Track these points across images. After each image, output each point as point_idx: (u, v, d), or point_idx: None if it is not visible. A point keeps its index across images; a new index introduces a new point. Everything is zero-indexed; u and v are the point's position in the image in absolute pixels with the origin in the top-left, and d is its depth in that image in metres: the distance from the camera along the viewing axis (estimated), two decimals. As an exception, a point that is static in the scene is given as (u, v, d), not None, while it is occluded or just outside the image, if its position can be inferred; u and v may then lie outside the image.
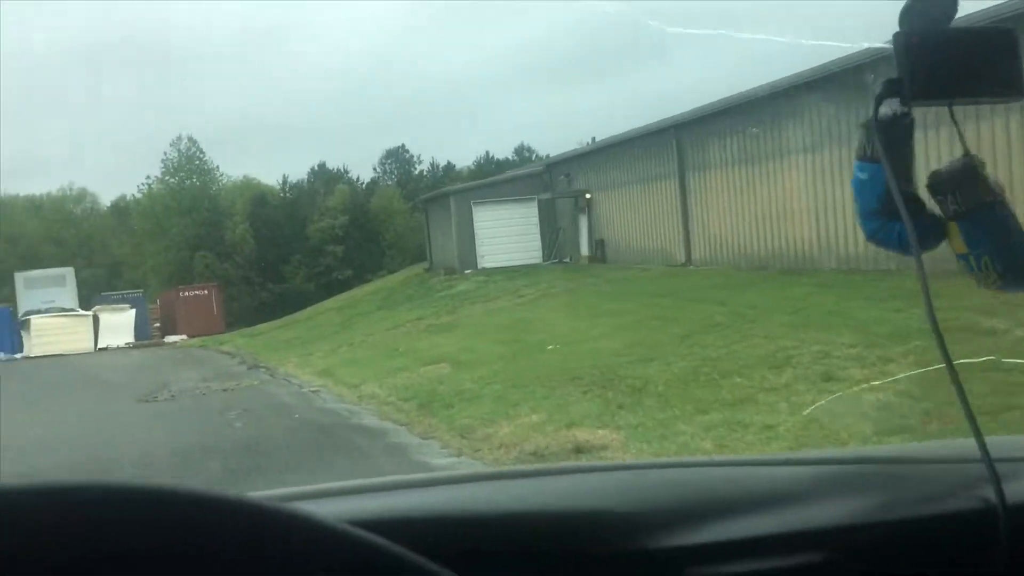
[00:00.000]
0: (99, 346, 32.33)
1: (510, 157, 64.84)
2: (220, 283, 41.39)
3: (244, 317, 44.78)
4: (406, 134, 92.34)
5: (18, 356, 31.53)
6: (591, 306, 15.76)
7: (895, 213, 1.19)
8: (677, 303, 14.00)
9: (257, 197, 54.18)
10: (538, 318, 15.42)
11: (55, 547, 0.38)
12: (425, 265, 33.20)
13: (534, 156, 58.75)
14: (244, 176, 58.13)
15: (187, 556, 0.39)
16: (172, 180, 51.02)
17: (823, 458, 1.14)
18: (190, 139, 51.47)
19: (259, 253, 51.07)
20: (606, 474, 1.06)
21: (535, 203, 28.87)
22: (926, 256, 1.14)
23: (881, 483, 1.00)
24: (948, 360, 1.01)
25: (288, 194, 56.26)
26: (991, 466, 0.93)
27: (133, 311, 34.29)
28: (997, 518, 0.91)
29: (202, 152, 51.46)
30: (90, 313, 33.54)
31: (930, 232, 1.20)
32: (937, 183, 1.22)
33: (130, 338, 33.17)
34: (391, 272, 49.61)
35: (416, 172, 63.88)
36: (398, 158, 63.27)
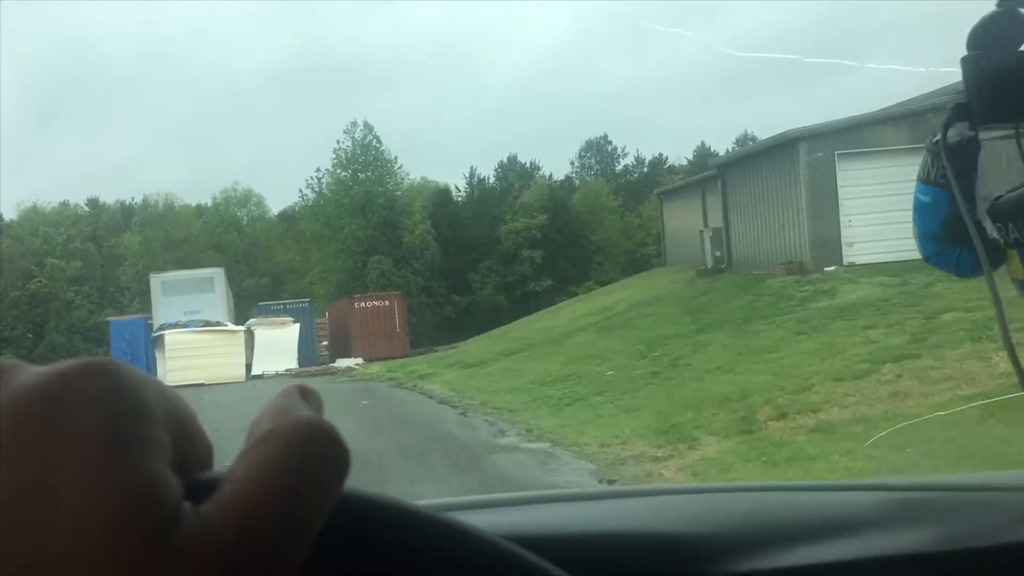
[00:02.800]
0: (253, 372, 24.01)
1: (730, 147, 54.31)
2: (401, 293, 32.60)
3: (425, 334, 36.50)
4: (602, 130, 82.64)
5: (149, 384, 23.49)
6: None
7: (956, 239, 1.23)
8: None
9: (439, 193, 45.62)
10: None
11: None
12: (699, 267, 22.87)
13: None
14: (423, 177, 49.79)
15: (352, 555, 0.38)
16: (344, 173, 43.03)
17: (901, 485, 1.12)
18: (366, 124, 43.41)
19: (442, 258, 42.50)
20: (688, 496, 1.06)
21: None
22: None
23: (961, 511, 0.97)
24: None
25: (475, 190, 47.40)
26: None
27: (297, 326, 25.93)
28: None
29: (379, 141, 43.20)
30: (242, 328, 25.24)
31: (990, 257, 1.19)
32: (999, 211, 1.23)
33: (292, 362, 24.78)
34: (599, 283, 39.93)
35: (619, 168, 53.95)
36: (599, 150, 53.55)
